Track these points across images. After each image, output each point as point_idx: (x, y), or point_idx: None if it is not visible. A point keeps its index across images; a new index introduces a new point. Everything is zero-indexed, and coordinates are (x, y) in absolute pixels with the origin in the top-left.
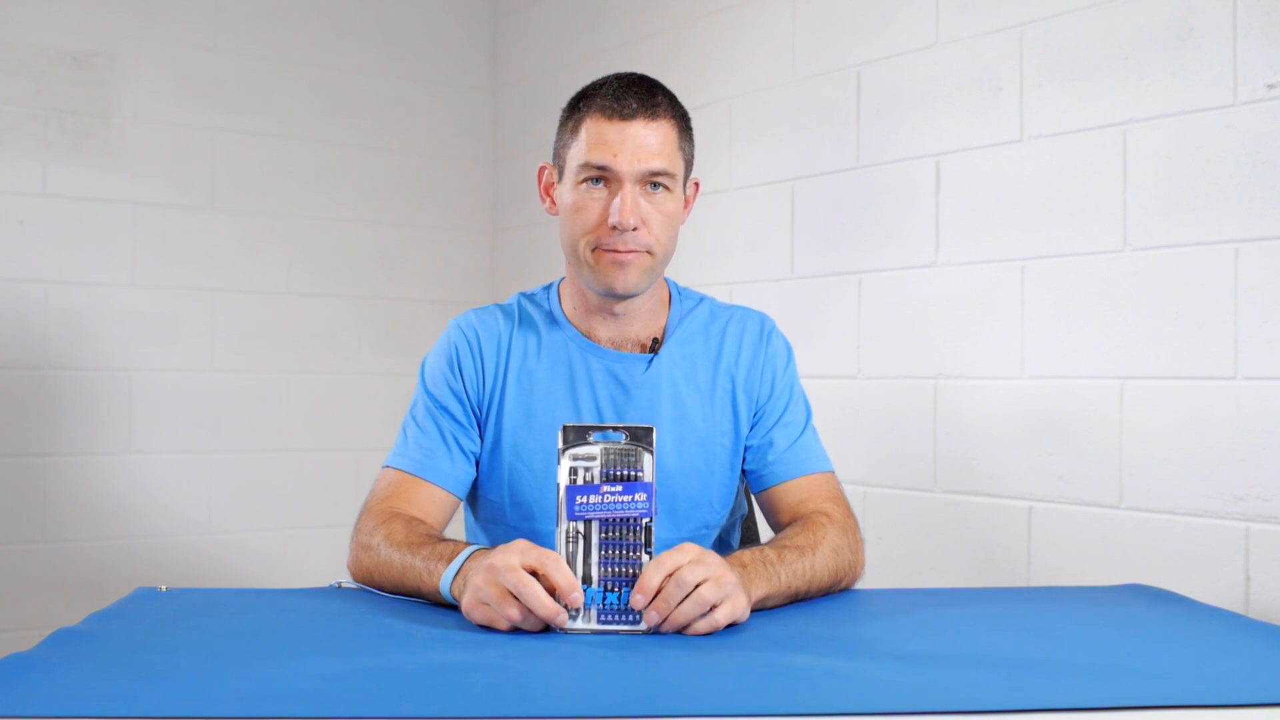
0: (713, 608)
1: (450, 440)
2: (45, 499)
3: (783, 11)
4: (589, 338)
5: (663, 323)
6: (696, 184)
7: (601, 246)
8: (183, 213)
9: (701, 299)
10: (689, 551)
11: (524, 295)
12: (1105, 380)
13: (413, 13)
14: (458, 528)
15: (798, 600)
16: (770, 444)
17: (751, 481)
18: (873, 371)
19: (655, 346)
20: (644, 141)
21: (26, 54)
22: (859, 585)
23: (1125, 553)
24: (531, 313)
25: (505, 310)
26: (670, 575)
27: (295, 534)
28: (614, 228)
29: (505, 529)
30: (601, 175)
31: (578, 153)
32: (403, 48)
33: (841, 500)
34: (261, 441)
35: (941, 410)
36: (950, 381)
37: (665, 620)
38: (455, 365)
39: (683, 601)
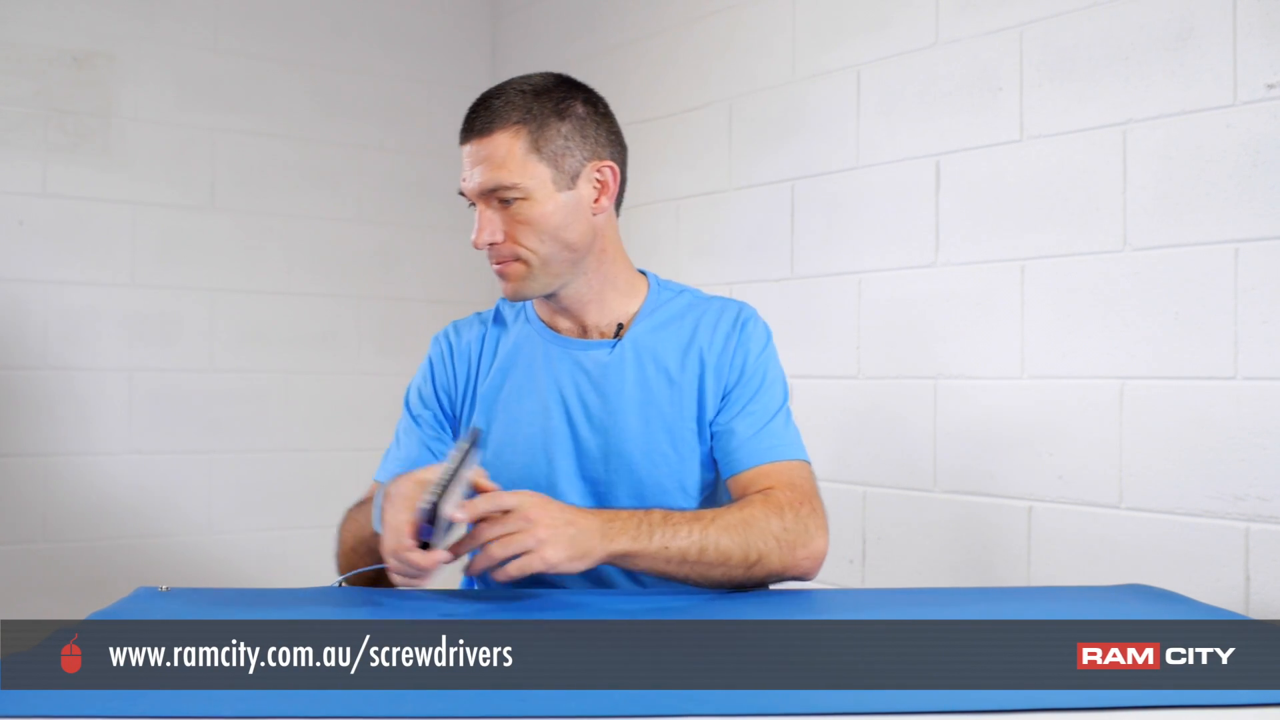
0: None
1: (423, 448)
2: (45, 499)
3: (783, 11)
4: (554, 329)
5: (632, 310)
6: (611, 168)
7: (491, 262)
8: (183, 213)
9: (682, 290)
10: (508, 499)
11: (504, 298)
12: (1105, 380)
13: (412, 13)
14: None
15: (695, 570)
16: (733, 432)
17: (720, 472)
18: (873, 371)
19: (620, 332)
20: (479, 160)
21: (26, 54)
22: (870, 584)
23: (1125, 553)
24: (506, 313)
25: (483, 315)
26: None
27: (295, 534)
28: (476, 247)
29: None
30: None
31: None
32: (402, 48)
33: (798, 485)
34: (261, 441)
35: (941, 410)
36: (950, 381)
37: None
38: (429, 374)
39: (478, 551)
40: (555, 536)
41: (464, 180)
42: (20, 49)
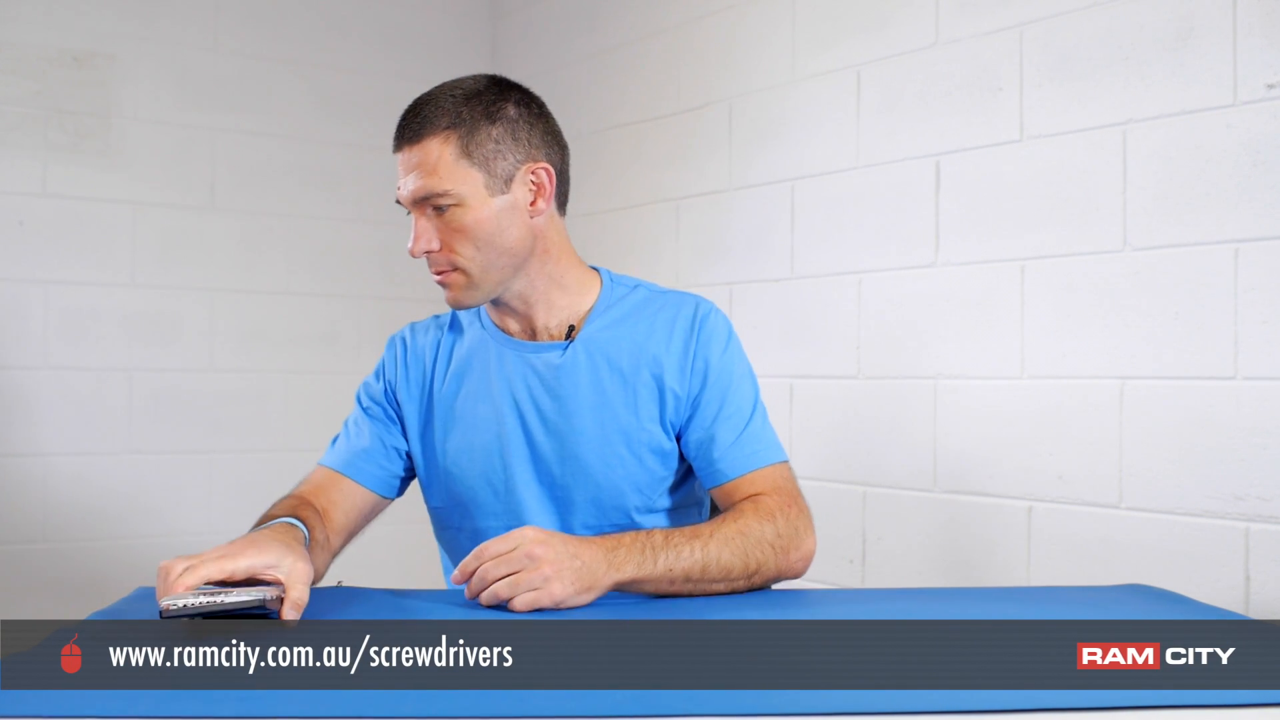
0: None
1: (375, 441)
2: (45, 499)
3: (783, 11)
4: (505, 332)
5: (584, 309)
6: (546, 169)
7: (430, 271)
8: (183, 213)
9: (636, 285)
10: (509, 540)
11: None
12: (1105, 380)
13: (412, 13)
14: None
15: (698, 587)
16: (713, 440)
17: (701, 479)
18: (873, 371)
19: (572, 333)
20: (411, 168)
21: (26, 54)
22: (870, 584)
23: (1125, 553)
24: (462, 317)
25: (440, 319)
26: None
27: None
28: (412, 255)
29: (455, 532)
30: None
31: None
32: (402, 48)
33: (783, 489)
34: (261, 441)
35: (941, 410)
36: (950, 381)
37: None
38: (380, 372)
39: (482, 591)
40: (561, 572)
41: (398, 189)
42: (20, 49)
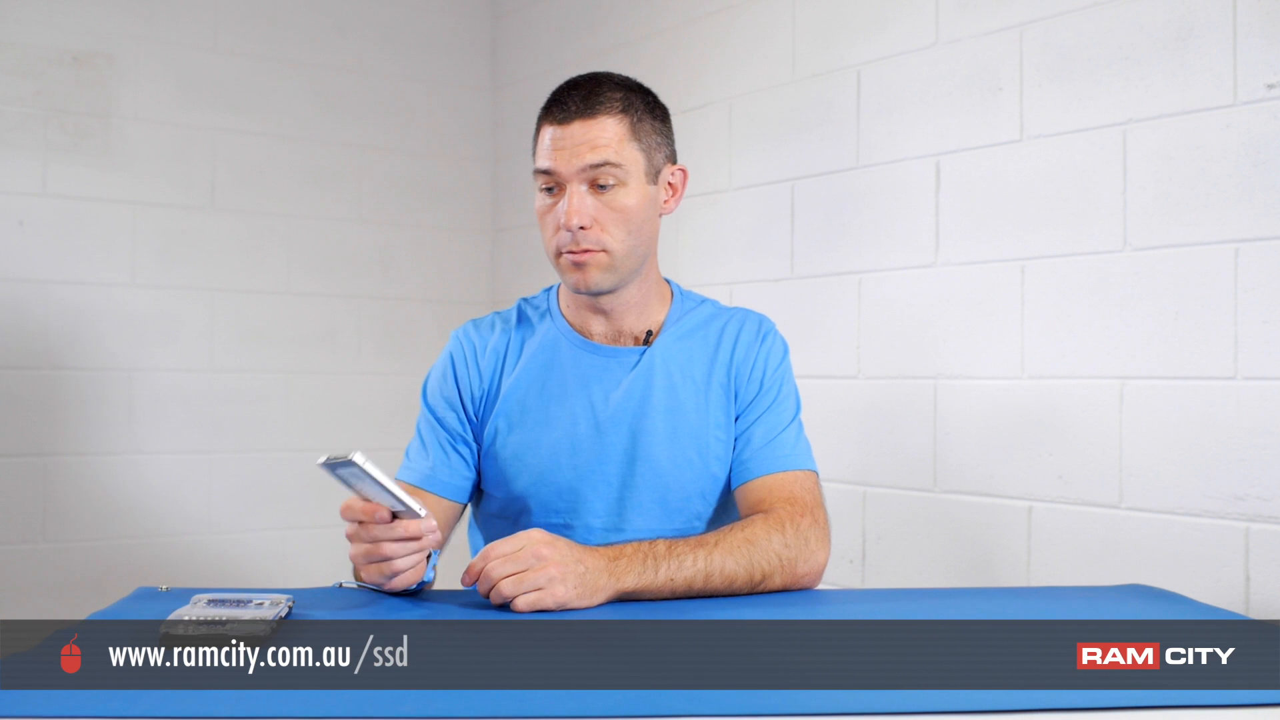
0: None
1: (448, 449)
2: (45, 499)
3: (783, 11)
4: (582, 333)
5: (660, 318)
6: (683, 171)
7: (562, 250)
8: (183, 213)
9: (704, 300)
10: (516, 541)
11: (524, 300)
12: (1105, 380)
13: (413, 13)
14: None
15: (703, 595)
16: (749, 439)
17: (730, 476)
18: (873, 371)
19: (649, 339)
20: (580, 140)
21: (26, 54)
22: (870, 584)
23: (1125, 553)
24: (530, 314)
25: (504, 316)
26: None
27: (295, 534)
28: (566, 229)
29: (508, 524)
30: (551, 181)
31: (534, 160)
32: (403, 48)
33: (799, 498)
34: (261, 441)
35: (941, 410)
36: (950, 381)
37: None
38: (451, 374)
39: (490, 590)
40: (566, 574)
41: (554, 160)
42: (20, 49)
